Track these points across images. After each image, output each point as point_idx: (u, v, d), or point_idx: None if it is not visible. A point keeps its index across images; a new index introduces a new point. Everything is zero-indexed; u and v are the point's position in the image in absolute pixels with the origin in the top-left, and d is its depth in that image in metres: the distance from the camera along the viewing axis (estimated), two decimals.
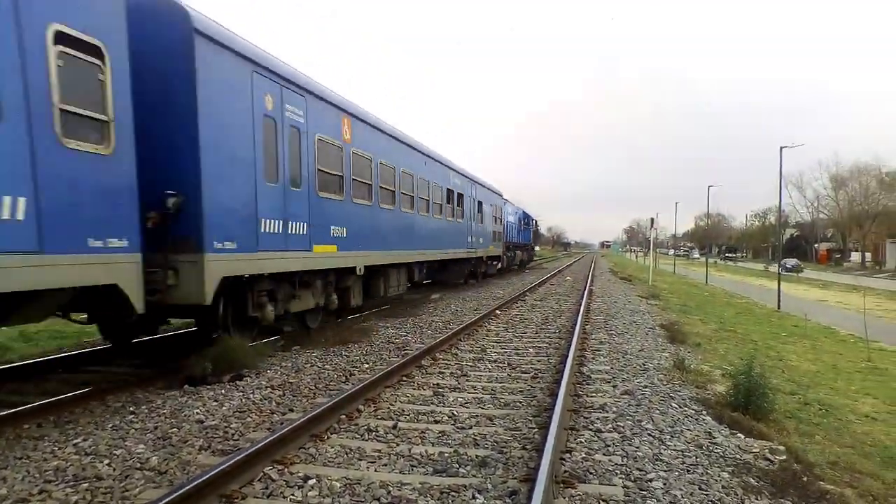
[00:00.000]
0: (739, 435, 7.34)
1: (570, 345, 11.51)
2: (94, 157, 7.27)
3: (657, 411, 7.98)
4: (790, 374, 13.41)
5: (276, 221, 10.60)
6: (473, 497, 5.33)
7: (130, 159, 7.76)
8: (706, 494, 5.52)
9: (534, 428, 7.12)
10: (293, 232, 11.10)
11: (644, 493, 5.47)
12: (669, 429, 7.28)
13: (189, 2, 8.99)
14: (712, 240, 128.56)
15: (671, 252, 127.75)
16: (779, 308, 29.57)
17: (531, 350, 12.11)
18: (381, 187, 15.55)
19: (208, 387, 8.82)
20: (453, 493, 5.39)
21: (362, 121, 14.36)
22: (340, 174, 13.20)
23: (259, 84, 10.11)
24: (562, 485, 5.55)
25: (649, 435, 7.01)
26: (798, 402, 10.77)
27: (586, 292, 24.44)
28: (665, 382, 9.63)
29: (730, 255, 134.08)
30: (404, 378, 9.47)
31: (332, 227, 12.71)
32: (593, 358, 11.39)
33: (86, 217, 7.15)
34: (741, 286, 47.91)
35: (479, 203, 27.72)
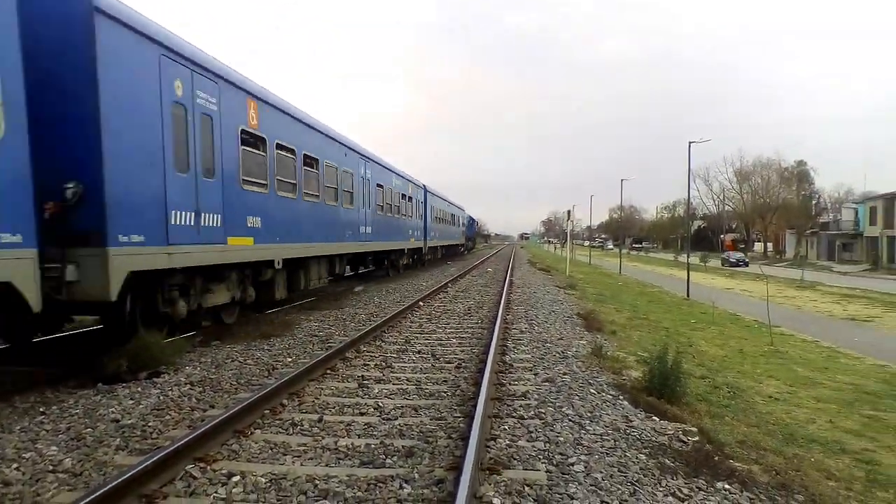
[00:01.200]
0: (655, 418, 7.64)
1: (493, 334, 11.67)
2: None
3: (577, 397, 8.20)
4: (700, 359, 14.01)
5: (188, 213, 10.19)
6: (401, 487, 5.35)
7: (22, 145, 7.25)
8: (625, 476, 5.73)
9: (459, 417, 7.20)
10: (206, 224, 10.72)
11: (566, 476, 5.63)
12: (589, 414, 7.50)
13: None
14: (625, 231, 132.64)
15: (587, 243, 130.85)
16: (688, 296, 30.81)
17: (454, 340, 12.22)
18: (303, 179, 15.31)
19: (124, 385, 8.52)
20: (380, 485, 5.40)
21: (282, 111, 14.09)
22: (260, 165, 12.92)
23: (168, 68, 9.68)
24: (487, 472, 5.65)
25: (570, 420, 7.21)
26: (708, 385, 11.28)
27: (507, 283, 24.80)
28: (584, 369, 9.90)
29: (637, 245, 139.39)
30: (329, 371, 9.40)
31: (248, 219, 12.30)
32: (515, 347, 11.59)
33: None
34: (652, 276, 49.65)
35: (403, 195, 28.50)
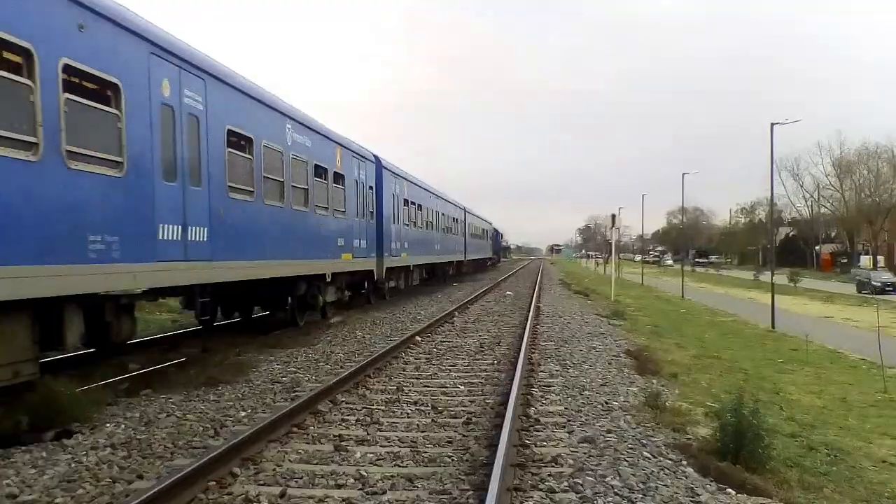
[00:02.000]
0: (730, 491, 7.50)
1: (514, 379, 11.55)
2: None
3: (625, 463, 8.08)
4: (790, 411, 13.86)
5: None
6: None
7: None
8: None
9: (468, 490, 7.09)
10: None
11: None
12: (642, 485, 7.38)
13: None
14: (689, 241, 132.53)
15: (638, 258, 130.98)
16: (773, 327, 30.65)
17: (462, 387, 12.13)
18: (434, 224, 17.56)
19: (23, 448, 8.45)
20: None
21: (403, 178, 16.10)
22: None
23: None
24: None
25: (616, 494, 7.08)
26: (801, 446, 11.13)
27: (532, 311, 24.73)
28: (634, 425, 9.78)
29: (701, 259, 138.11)
30: (295, 428, 9.33)
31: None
32: (543, 396, 11.47)
33: None
34: (725, 300, 49.53)
35: (455, 219, 32.31)
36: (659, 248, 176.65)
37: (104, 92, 10.69)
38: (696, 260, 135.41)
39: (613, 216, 40.80)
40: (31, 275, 9.03)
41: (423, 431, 9.35)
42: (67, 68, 9.73)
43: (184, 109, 12.65)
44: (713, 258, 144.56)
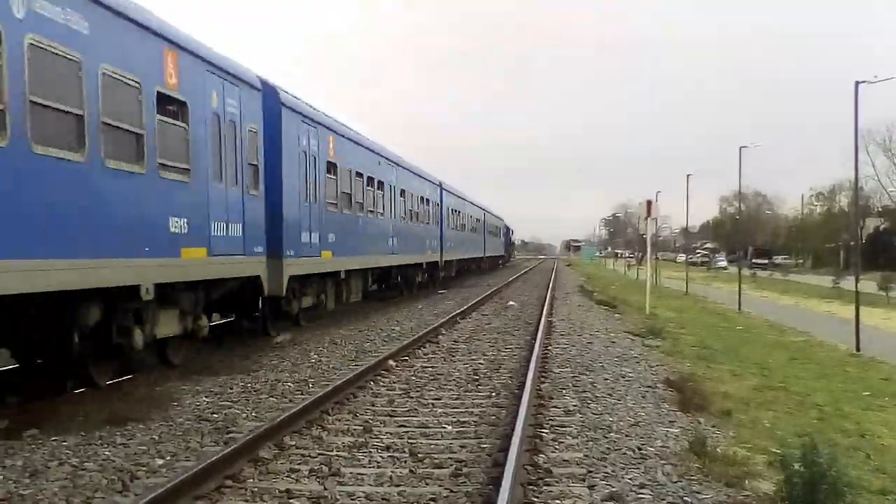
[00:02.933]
0: None
1: (517, 417, 11.58)
2: None
3: None
4: (879, 460, 13.90)
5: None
6: None
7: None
8: None
9: None
10: None
11: None
12: None
13: None
14: (748, 237, 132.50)
15: (681, 258, 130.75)
16: (858, 350, 30.70)
17: (449, 427, 12.18)
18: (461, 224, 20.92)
19: None
20: None
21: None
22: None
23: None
24: None
25: None
26: None
27: (542, 327, 24.79)
28: (675, 478, 9.86)
29: (761, 261, 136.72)
30: (229, 481, 9.36)
31: None
32: (556, 440, 11.52)
33: None
34: (795, 313, 49.39)
35: (477, 219, 37.81)
36: (708, 246, 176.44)
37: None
38: (754, 261, 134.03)
39: (649, 203, 40.22)
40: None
41: (397, 486, 9.39)
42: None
43: None
44: (780, 259, 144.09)
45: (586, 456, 10.68)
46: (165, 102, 15.97)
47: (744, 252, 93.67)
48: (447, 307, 34.36)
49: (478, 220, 74.30)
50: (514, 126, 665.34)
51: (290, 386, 15.40)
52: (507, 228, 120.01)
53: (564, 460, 10.47)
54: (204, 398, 14.26)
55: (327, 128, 27.67)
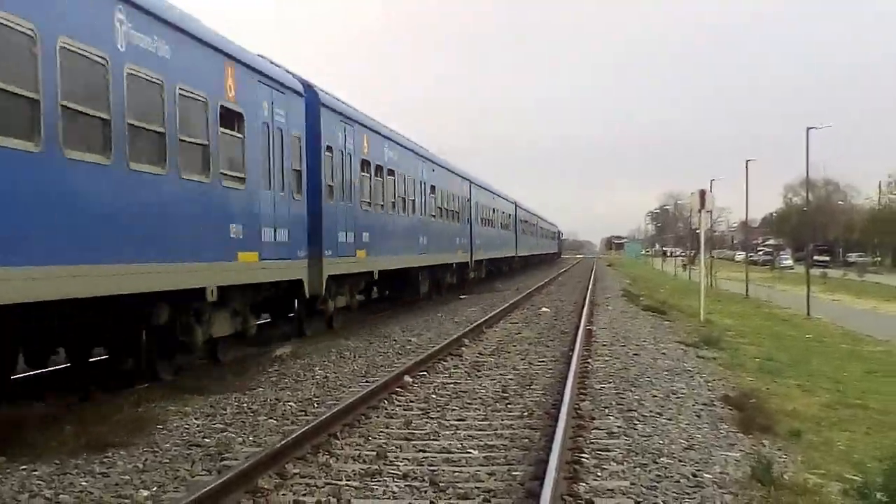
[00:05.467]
0: None
1: (553, 439, 11.48)
2: None
3: None
4: None
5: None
6: None
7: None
8: None
9: None
10: None
11: None
12: None
13: None
14: (818, 231, 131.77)
15: (740, 255, 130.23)
16: None
17: (475, 452, 12.07)
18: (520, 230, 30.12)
19: None
20: None
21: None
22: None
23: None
24: None
25: None
26: None
27: (580, 335, 24.71)
28: None
29: (821, 258, 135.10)
30: None
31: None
32: (598, 466, 11.38)
33: None
34: (874, 320, 49.07)
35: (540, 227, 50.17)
36: (771, 242, 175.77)
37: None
38: (815, 258, 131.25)
39: (702, 193, 39.83)
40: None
41: None
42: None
43: None
44: (854, 256, 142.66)
45: (633, 484, 10.52)
46: (226, 115, 19.06)
47: (815, 249, 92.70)
48: (470, 315, 34.31)
49: (542, 228, 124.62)
50: (547, 111, 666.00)
51: (292, 406, 15.30)
52: (559, 232, 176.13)
53: (608, 489, 10.31)
54: (194, 420, 14.17)
55: (362, 125, 30.46)
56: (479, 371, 19.53)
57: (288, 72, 24.34)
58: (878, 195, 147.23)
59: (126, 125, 14.69)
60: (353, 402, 14.66)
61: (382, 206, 32.82)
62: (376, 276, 31.88)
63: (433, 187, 42.42)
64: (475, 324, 28.94)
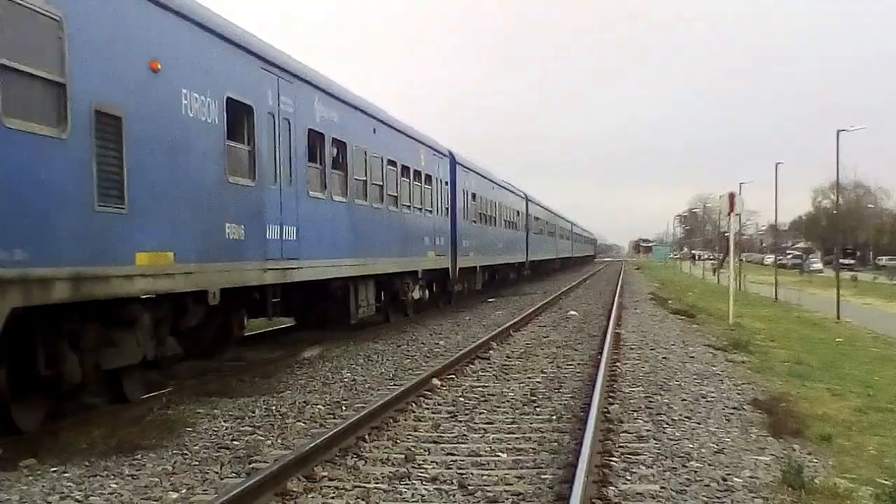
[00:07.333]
0: None
1: (582, 443, 11.51)
2: None
3: None
4: None
5: None
6: None
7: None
8: None
9: None
10: None
11: None
12: None
13: None
14: (849, 234, 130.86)
15: (769, 259, 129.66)
16: None
17: (504, 456, 12.08)
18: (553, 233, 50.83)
19: None
20: None
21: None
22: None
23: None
24: None
25: None
26: None
27: (608, 338, 24.71)
28: None
29: (846, 261, 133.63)
30: None
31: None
32: (627, 469, 11.41)
33: None
34: None
35: (576, 234, 62.92)
36: (800, 246, 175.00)
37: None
38: (842, 261, 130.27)
39: (732, 196, 39.69)
40: None
41: None
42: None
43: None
44: (885, 259, 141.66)
45: (663, 488, 10.57)
46: (416, 175, 33.79)
47: (841, 252, 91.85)
48: (497, 318, 34.33)
49: (583, 236, 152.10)
50: (575, 114, 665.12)
51: (320, 409, 15.30)
52: (594, 238, 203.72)
53: (638, 493, 10.35)
54: (223, 423, 14.20)
55: (471, 170, 46.67)
56: (507, 374, 19.53)
57: (438, 144, 39.30)
58: None
59: (356, 181, 26.10)
60: (382, 404, 14.66)
61: (477, 221, 47.72)
62: (478, 269, 47.87)
63: (533, 215, 71.87)
64: (503, 326, 28.97)
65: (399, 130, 31.95)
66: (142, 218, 14.23)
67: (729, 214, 40.32)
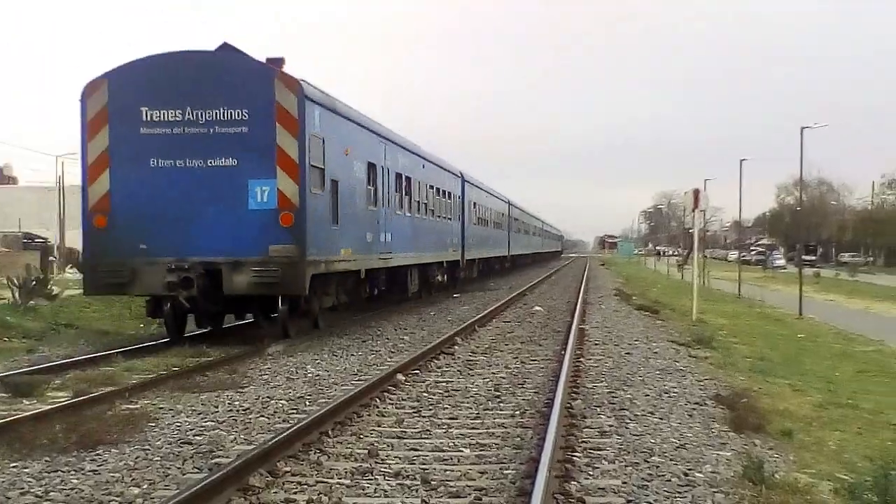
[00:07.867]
0: None
1: (545, 438, 11.56)
2: None
3: None
4: None
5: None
6: None
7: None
8: None
9: None
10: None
11: None
12: None
13: None
14: (812, 230, 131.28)
15: (733, 255, 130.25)
16: None
17: (467, 451, 12.14)
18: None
19: None
20: None
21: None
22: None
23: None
24: None
25: None
26: None
27: (573, 334, 24.81)
28: None
29: (808, 257, 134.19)
30: None
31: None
32: (590, 464, 11.47)
33: None
34: (865, 319, 49.14)
35: (545, 230, 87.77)
36: (764, 242, 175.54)
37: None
38: (804, 257, 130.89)
39: (696, 192, 39.83)
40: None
41: None
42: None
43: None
44: (847, 256, 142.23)
45: (625, 483, 10.62)
46: (442, 193, 45.66)
47: (806, 248, 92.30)
48: (462, 313, 34.42)
49: (551, 232, 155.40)
50: (536, 110, 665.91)
51: (284, 404, 15.27)
52: (561, 235, 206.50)
53: (600, 488, 10.41)
54: (185, 418, 14.13)
55: (474, 185, 58.32)
56: (471, 370, 19.57)
57: (453, 168, 51.22)
58: (871, 195, 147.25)
59: (415, 201, 38.31)
60: (345, 400, 14.66)
61: (482, 224, 62.46)
62: (476, 261, 60.30)
63: (513, 217, 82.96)
64: (468, 322, 29.07)
65: (433, 162, 44.70)
66: (342, 230, 26.39)
67: (693, 210, 40.49)
